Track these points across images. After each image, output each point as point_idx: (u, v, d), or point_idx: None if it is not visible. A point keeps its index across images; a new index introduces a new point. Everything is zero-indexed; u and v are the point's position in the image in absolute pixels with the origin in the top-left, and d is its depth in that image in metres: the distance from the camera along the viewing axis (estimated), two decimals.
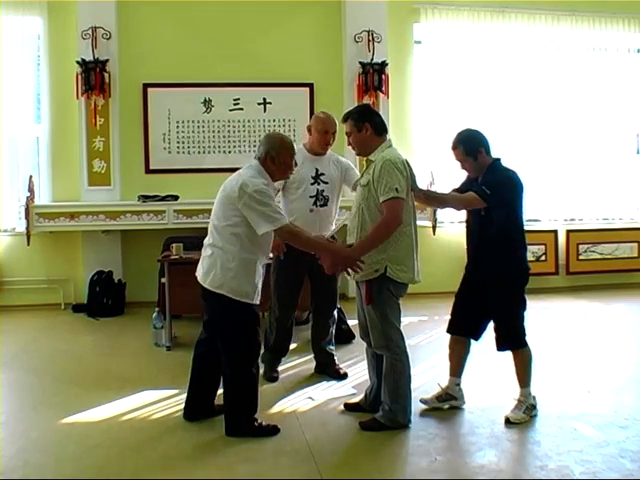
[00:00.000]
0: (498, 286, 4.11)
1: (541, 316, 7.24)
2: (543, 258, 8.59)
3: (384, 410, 4.02)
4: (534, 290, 8.21)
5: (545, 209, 8.69)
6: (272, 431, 3.92)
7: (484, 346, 4.43)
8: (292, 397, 4.62)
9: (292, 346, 5.94)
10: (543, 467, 3.49)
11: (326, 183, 4.92)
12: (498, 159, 4.17)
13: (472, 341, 4.35)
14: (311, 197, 4.88)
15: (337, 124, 4.90)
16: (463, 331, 4.32)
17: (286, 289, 4.97)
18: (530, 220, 8.63)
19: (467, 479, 3.40)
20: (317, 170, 4.89)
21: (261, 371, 4.78)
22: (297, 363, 5.46)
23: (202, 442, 3.85)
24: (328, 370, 5.12)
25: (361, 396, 4.39)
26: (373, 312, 3.96)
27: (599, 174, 8.86)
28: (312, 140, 4.96)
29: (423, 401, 4.33)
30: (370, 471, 3.50)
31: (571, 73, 8.69)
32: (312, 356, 5.25)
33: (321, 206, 4.91)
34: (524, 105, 8.61)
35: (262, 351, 4.87)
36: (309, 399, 4.50)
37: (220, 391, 4.08)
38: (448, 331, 4.38)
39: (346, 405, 4.39)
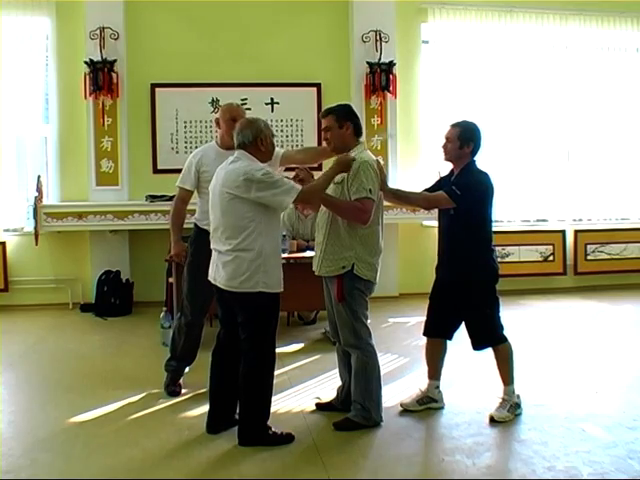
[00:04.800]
0: (468, 288, 4.12)
1: (549, 316, 7.24)
2: (551, 258, 8.57)
3: (357, 409, 4.01)
4: (542, 290, 8.37)
5: (553, 209, 8.68)
6: (286, 439, 3.83)
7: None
8: (299, 397, 4.62)
9: (299, 346, 5.97)
10: (551, 468, 3.47)
11: None
12: (474, 161, 4.21)
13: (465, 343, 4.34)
14: None
15: (245, 112, 4.66)
16: (439, 333, 4.31)
17: (199, 292, 4.52)
18: (538, 220, 8.66)
19: (474, 479, 3.40)
20: None
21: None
22: (304, 363, 5.47)
23: (210, 442, 3.85)
24: None
25: (333, 396, 4.39)
26: (343, 310, 3.98)
27: (607, 174, 8.84)
28: (222, 133, 4.63)
29: (403, 405, 4.32)
30: (376, 471, 3.49)
31: (579, 73, 8.67)
32: (319, 357, 5.19)
33: None
34: (532, 105, 8.58)
35: (167, 359, 4.77)
36: (316, 399, 4.49)
37: None
38: (424, 334, 4.37)
39: (318, 405, 4.39)
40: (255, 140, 3.80)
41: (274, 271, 3.80)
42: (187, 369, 4.83)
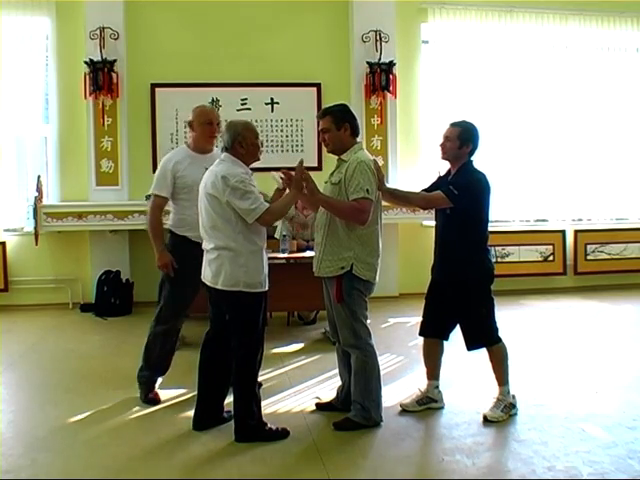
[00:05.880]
0: (464, 288, 4.12)
1: (549, 316, 7.24)
2: (551, 258, 8.58)
3: (356, 409, 4.02)
4: (542, 290, 8.37)
5: (553, 209, 8.68)
6: (282, 434, 3.89)
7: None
8: (299, 397, 4.62)
9: (299, 346, 5.98)
10: (551, 468, 3.47)
11: None
12: (471, 161, 4.22)
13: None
14: None
15: (218, 115, 4.62)
16: (435, 333, 4.31)
17: (180, 297, 4.46)
18: (538, 220, 8.66)
19: (474, 479, 3.40)
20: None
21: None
22: (304, 363, 5.47)
23: (210, 442, 3.85)
24: None
25: (333, 396, 4.39)
26: (342, 310, 3.98)
27: (607, 174, 8.84)
28: (196, 136, 4.51)
29: (403, 406, 4.32)
30: (376, 471, 3.49)
31: (579, 73, 8.68)
32: (319, 357, 5.20)
33: None
34: (532, 105, 8.59)
35: (138, 369, 4.63)
36: (316, 399, 4.49)
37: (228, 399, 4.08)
38: (420, 334, 4.38)
39: (318, 405, 4.39)
40: (234, 143, 3.87)
41: (256, 271, 3.84)
42: (160, 379, 4.66)
